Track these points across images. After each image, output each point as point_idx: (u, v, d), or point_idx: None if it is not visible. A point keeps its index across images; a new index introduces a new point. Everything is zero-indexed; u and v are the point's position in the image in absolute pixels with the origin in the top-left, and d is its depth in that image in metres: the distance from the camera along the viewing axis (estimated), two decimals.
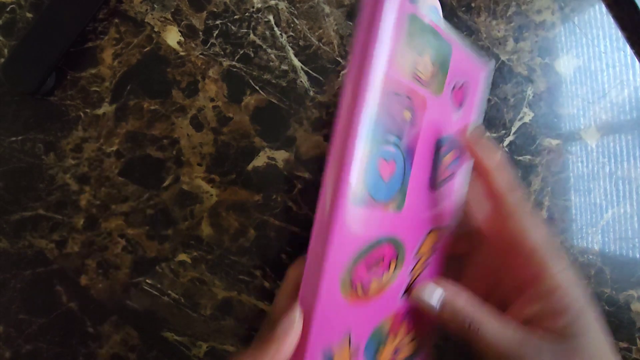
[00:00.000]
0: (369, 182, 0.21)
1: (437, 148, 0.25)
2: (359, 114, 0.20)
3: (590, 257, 0.32)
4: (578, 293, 0.24)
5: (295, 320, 0.21)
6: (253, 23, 0.33)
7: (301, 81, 0.33)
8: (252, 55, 0.33)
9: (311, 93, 0.33)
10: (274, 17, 0.33)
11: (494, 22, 0.32)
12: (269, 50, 0.33)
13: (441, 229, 0.27)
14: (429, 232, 0.26)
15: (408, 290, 0.26)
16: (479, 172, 0.25)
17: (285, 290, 0.26)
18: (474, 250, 0.28)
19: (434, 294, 0.25)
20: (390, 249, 0.24)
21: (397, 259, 0.24)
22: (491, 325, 0.24)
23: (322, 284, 0.21)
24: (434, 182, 0.26)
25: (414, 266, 0.26)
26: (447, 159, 0.26)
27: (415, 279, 0.26)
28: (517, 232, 0.24)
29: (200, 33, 0.33)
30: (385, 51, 0.20)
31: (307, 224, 0.32)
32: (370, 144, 0.21)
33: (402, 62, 0.22)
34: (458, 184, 0.28)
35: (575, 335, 0.23)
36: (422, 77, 0.23)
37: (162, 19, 0.33)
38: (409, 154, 0.23)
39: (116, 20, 0.33)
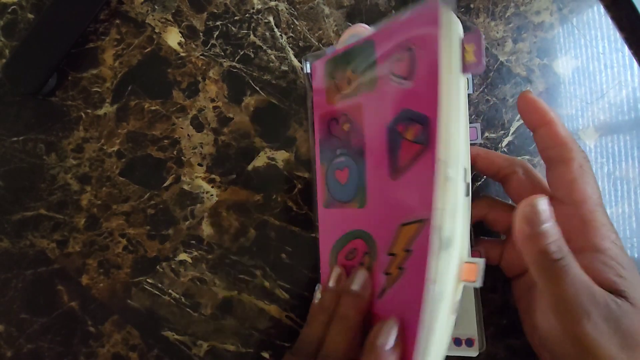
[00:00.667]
0: (332, 189, 0.29)
1: (391, 132, 0.25)
2: (313, 150, 0.31)
3: None
4: (623, 250, 0.24)
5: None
6: (253, 24, 0.33)
7: (301, 82, 0.33)
8: (253, 56, 0.33)
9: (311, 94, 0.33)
10: (274, 18, 0.33)
11: (492, 23, 0.33)
12: (269, 51, 0.33)
13: (417, 221, 0.23)
14: (401, 226, 0.24)
15: (383, 293, 0.24)
16: (542, 124, 0.25)
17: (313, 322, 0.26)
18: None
19: (548, 211, 0.23)
20: (361, 242, 0.27)
21: (369, 252, 0.26)
22: (575, 266, 0.23)
23: (322, 270, 0.29)
24: (394, 170, 0.25)
25: (388, 267, 0.24)
26: (410, 135, 0.24)
27: (392, 285, 0.24)
28: (578, 176, 0.24)
29: (201, 34, 0.33)
30: (317, 104, 0.30)
31: (307, 224, 0.32)
32: (325, 164, 0.30)
33: (329, 97, 0.29)
34: (433, 163, 0.22)
35: (630, 288, 0.23)
36: (350, 91, 0.28)
37: (163, 20, 0.33)
38: (358, 155, 0.27)
39: (117, 21, 0.33)
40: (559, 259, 0.22)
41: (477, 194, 0.32)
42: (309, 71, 0.31)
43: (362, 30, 0.28)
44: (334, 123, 0.29)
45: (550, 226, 0.22)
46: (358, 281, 0.25)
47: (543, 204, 0.22)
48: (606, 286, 0.23)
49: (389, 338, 0.22)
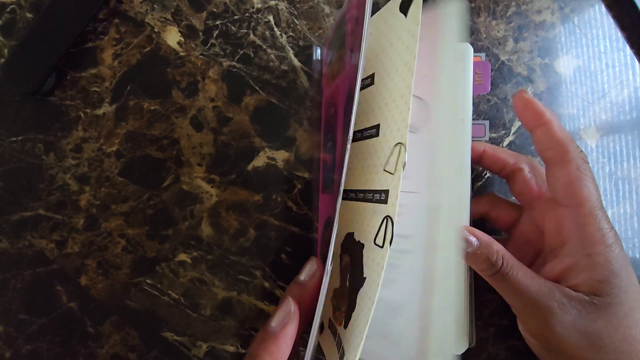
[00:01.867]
0: (324, 174, 0.29)
1: (345, 113, 0.24)
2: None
3: None
4: (620, 251, 0.24)
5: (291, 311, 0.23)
6: (253, 23, 0.33)
7: (301, 81, 0.33)
8: (252, 55, 0.33)
9: (311, 93, 0.33)
10: (273, 18, 0.33)
11: (493, 23, 0.32)
12: (269, 51, 0.33)
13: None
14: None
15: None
16: (540, 124, 0.25)
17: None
18: (517, 222, 0.29)
19: (470, 236, 0.25)
20: (329, 230, 0.24)
21: (330, 241, 0.25)
22: (523, 271, 0.24)
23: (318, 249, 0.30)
24: (342, 152, 0.24)
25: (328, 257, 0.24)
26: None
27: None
28: (576, 178, 0.24)
29: (200, 33, 0.33)
30: (324, 92, 0.30)
31: (307, 224, 0.32)
32: (324, 150, 0.29)
33: (328, 82, 0.29)
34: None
35: (610, 293, 0.23)
36: (336, 73, 0.28)
37: (162, 19, 0.33)
38: (335, 138, 0.27)
39: (116, 21, 0.33)
40: (492, 274, 0.24)
41: (480, 191, 0.32)
42: (318, 57, 0.31)
43: None
44: (328, 107, 0.29)
45: (474, 248, 0.24)
46: (305, 272, 0.25)
47: (464, 233, 0.25)
48: (583, 289, 0.23)
49: (277, 319, 0.24)
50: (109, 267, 0.32)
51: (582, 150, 0.25)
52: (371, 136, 0.24)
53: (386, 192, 0.22)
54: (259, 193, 0.32)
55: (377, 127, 0.23)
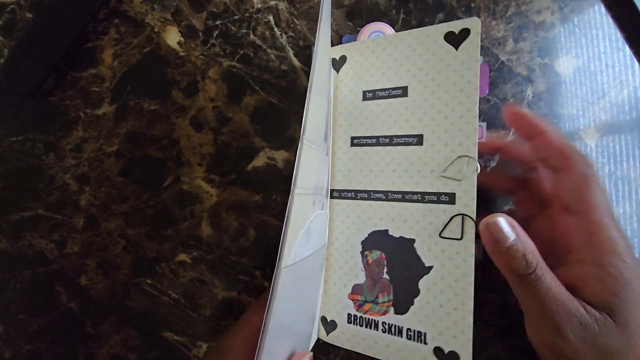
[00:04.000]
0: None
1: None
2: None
3: None
4: (633, 262, 0.23)
5: None
6: (253, 23, 0.33)
7: (301, 81, 0.33)
8: (252, 55, 0.33)
9: None
10: (273, 18, 0.33)
11: (493, 23, 0.32)
12: (268, 51, 0.33)
13: None
14: None
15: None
16: (535, 134, 0.25)
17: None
18: (535, 217, 0.28)
19: (509, 227, 0.23)
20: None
21: None
22: (551, 276, 0.22)
23: None
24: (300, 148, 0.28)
25: None
26: None
27: None
28: (581, 185, 0.24)
29: (200, 33, 0.33)
30: None
31: None
32: None
33: None
34: None
35: (623, 307, 0.22)
36: None
37: (162, 19, 0.33)
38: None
39: (116, 21, 0.33)
40: (526, 274, 0.22)
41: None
42: None
43: (384, 27, 0.31)
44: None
45: (513, 242, 0.22)
46: None
47: (502, 222, 0.22)
48: (596, 302, 0.23)
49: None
50: (109, 267, 0.32)
51: (584, 155, 0.24)
52: (409, 144, 0.28)
53: (451, 195, 0.26)
54: (259, 193, 0.32)
55: (419, 137, 0.27)
